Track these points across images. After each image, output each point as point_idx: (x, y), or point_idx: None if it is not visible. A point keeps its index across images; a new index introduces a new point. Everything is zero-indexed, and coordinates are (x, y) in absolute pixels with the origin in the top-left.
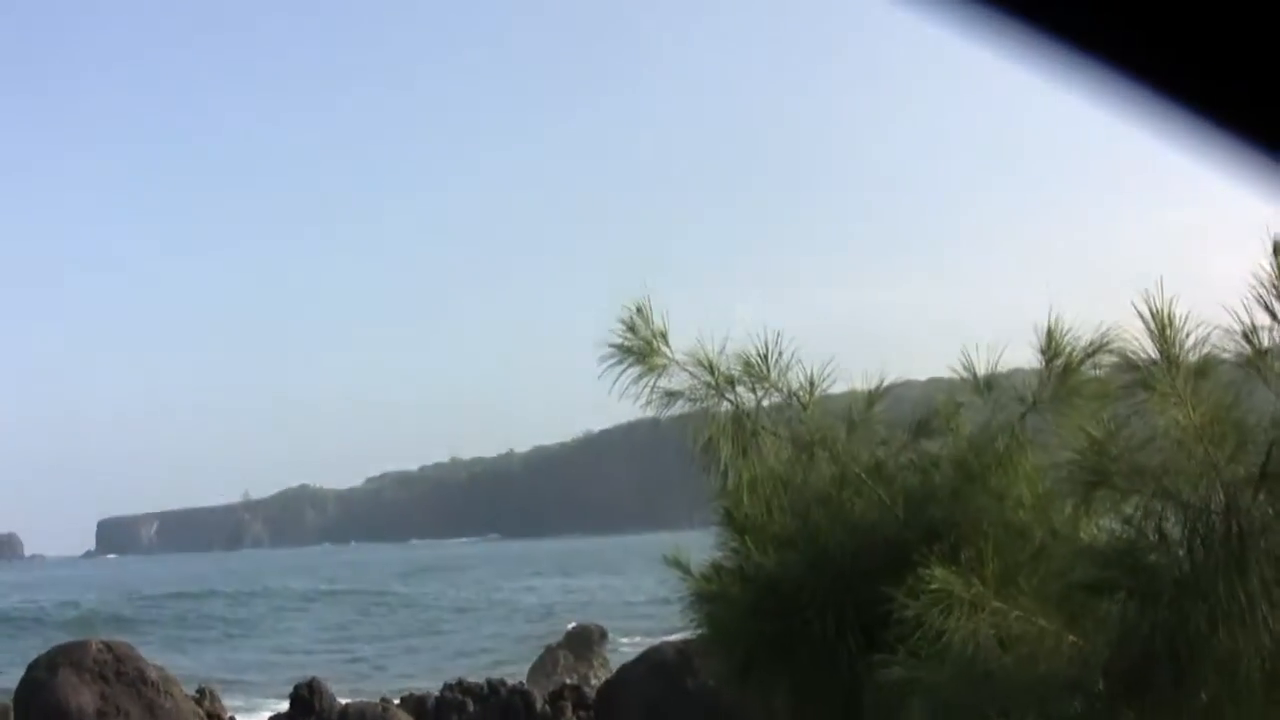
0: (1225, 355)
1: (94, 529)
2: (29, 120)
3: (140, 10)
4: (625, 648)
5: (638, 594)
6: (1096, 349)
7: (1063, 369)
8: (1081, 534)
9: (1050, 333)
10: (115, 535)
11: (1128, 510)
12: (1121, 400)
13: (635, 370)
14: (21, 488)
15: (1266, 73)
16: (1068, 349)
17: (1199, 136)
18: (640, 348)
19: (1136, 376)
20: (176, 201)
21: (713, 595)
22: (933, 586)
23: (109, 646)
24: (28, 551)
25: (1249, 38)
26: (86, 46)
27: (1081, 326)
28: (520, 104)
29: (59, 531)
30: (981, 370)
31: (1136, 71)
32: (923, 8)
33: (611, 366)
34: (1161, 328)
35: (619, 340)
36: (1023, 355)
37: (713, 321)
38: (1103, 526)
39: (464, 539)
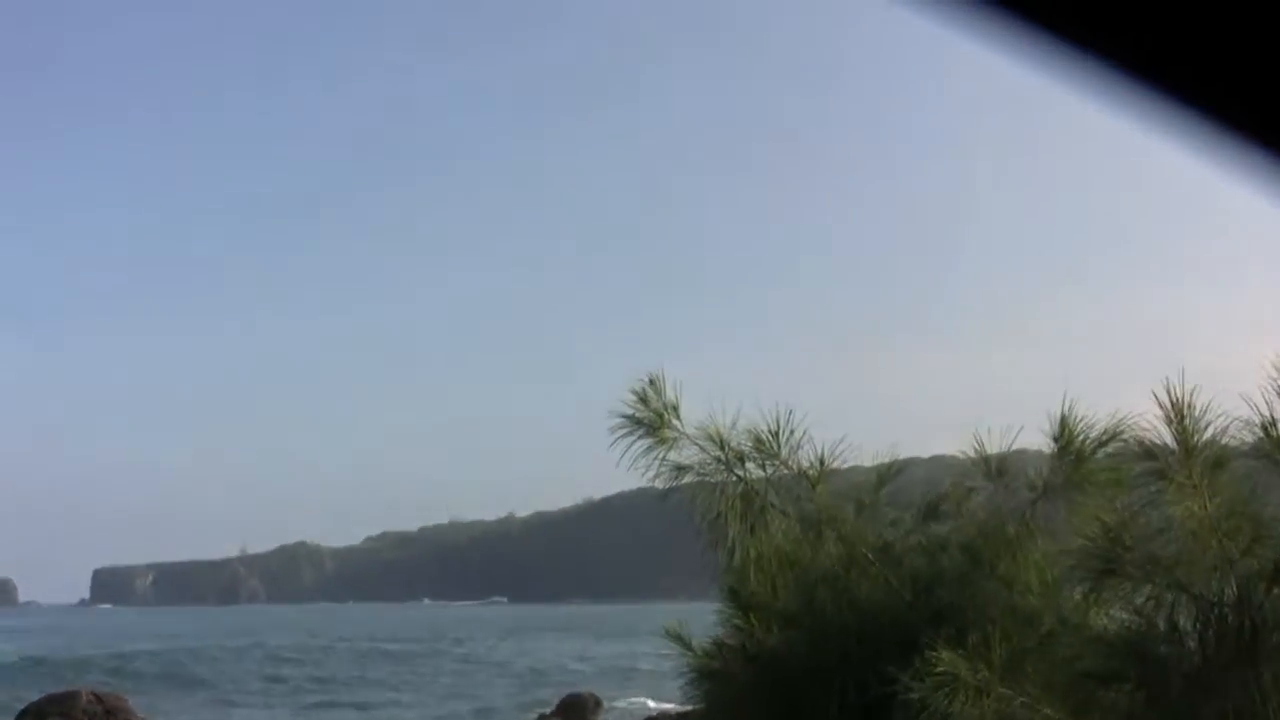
0: (1242, 445)
1: (89, 578)
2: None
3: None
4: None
5: (643, 661)
6: (1110, 437)
7: (1075, 456)
8: (1091, 623)
9: (1064, 419)
10: (110, 585)
11: (1139, 600)
12: (1136, 489)
13: (645, 442)
14: (18, 534)
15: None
16: (1080, 436)
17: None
18: (651, 420)
19: (1152, 465)
20: (179, 254)
21: (715, 672)
22: (938, 669)
23: (99, 697)
24: (22, 598)
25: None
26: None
27: (1096, 412)
28: (531, 175)
29: (54, 579)
30: (992, 449)
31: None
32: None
33: (622, 437)
34: (1180, 416)
35: (630, 411)
36: (1033, 437)
37: (719, 390)
38: (1113, 616)
39: (471, 601)
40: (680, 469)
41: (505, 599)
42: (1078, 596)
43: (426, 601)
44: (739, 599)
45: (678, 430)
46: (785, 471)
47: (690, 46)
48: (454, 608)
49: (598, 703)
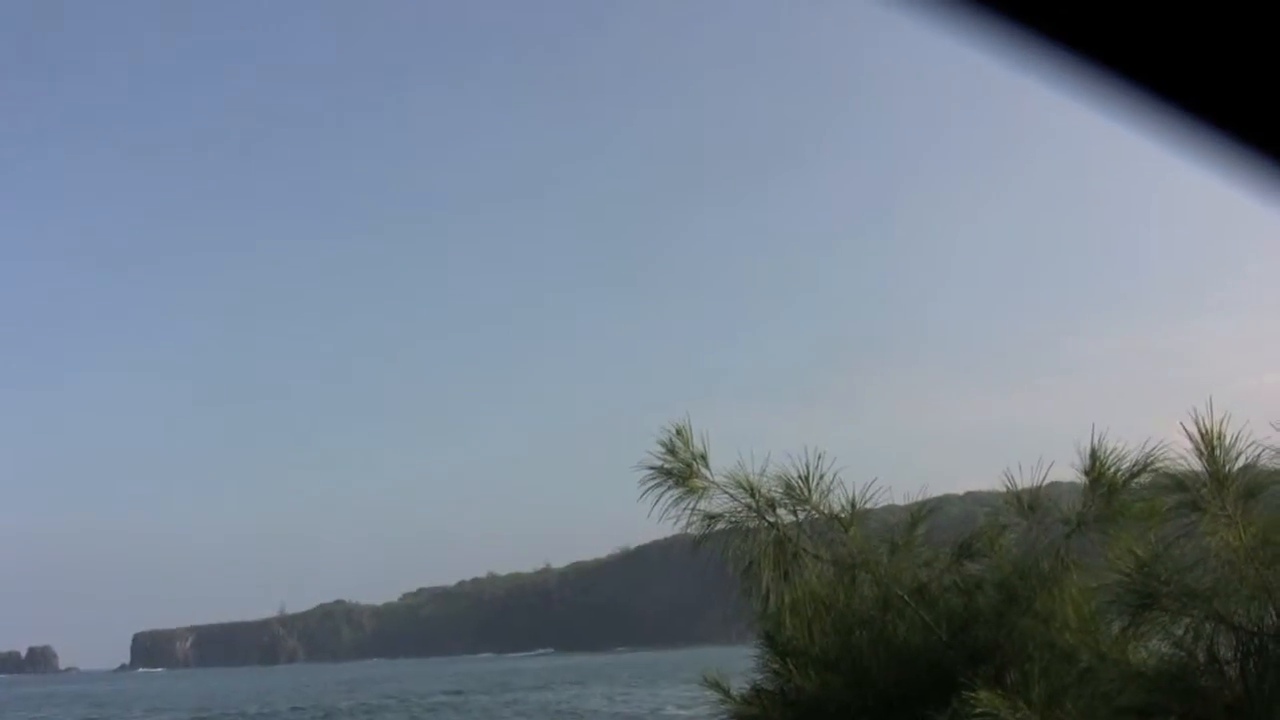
0: (1276, 473)
1: (129, 642)
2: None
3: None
4: None
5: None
6: (1141, 468)
7: (1107, 489)
8: (1130, 657)
9: (1094, 452)
10: (151, 649)
11: (1178, 633)
12: (1170, 520)
13: (675, 492)
14: (57, 600)
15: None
16: (1112, 469)
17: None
18: (680, 470)
19: (1185, 497)
20: (213, 304)
21: (754, 718)
22: (978, 710)
23: None
24: (62, 664)
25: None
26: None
27: (1126, 442)
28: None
29: (94, 644)
30: (1024, 483)
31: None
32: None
33: (652, 488)
34: (1210, 446)
35: (658, 463)
36: (1064, 472)
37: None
38: (1151, 649)
39: (522, 654)
40: (711, 517)
41: (552, 650)
42: (1116, 630)
43: (478, 655)
44: (775, 644)
45: (707, 479)
46: (817, 515)
47: None
48: (506, 659)
49: None
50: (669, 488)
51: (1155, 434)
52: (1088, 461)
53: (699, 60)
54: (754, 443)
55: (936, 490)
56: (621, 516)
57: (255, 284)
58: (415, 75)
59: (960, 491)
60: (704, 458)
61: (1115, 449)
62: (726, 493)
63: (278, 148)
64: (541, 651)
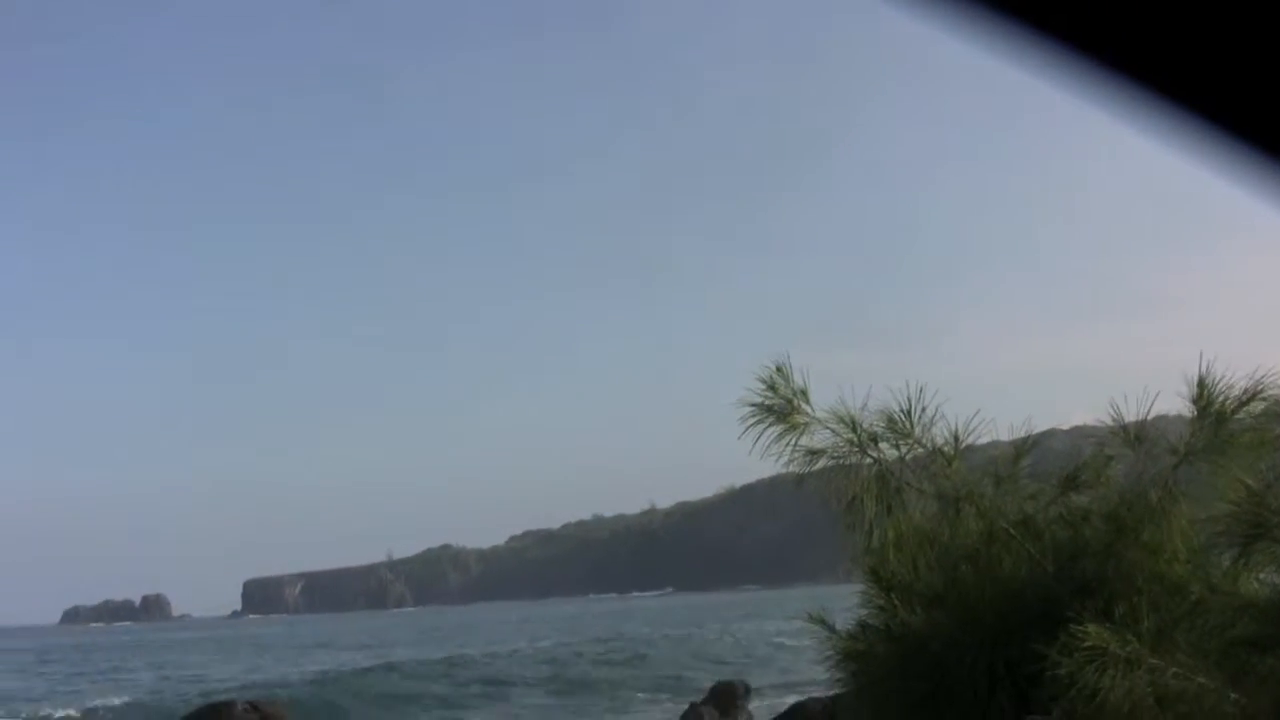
0: None
1: (239, 589)
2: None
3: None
4: (771, 704)
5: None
6: (1251, 397)
7: (1215, 418)
8: (1241, 588)
9: (1201, 381)
10: (260, 596)
11: None
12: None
13: (777, 429)
14: (171, 549)
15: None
16: (1220, 398)
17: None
18: (781, 406)
19: None
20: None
21: (859, 654)
22: (1086, 644)
23: (255, 706)
24: (176, 612)
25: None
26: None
27: (1235, 372)
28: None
29: (206, 592)
30: (1130, 417)
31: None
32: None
33: (753, 425)
34: None
35: (760, 399)
36: (1170, 404)
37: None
38: (1263, 580)
39: (645, 593)
40: (813, 453)
41: (671, 589)
42: (1226, 562)
43: (603, 595)
44: (880, 579)
45: (808, 415)
46: (919, 450)
47: None
48: (631, 599)
49: (747, 689)
50: (770, 424)
51: (1265, 362)
52: (1195, 391)
53: None
54: (854, 382)
55: (1041, 426)
56: (725, 456)
57: (375, 235)
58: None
59: (1065, 426)
60: (804, 394)
61: (1224, 378)
62: (828, 428)
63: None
64: (661, 591)
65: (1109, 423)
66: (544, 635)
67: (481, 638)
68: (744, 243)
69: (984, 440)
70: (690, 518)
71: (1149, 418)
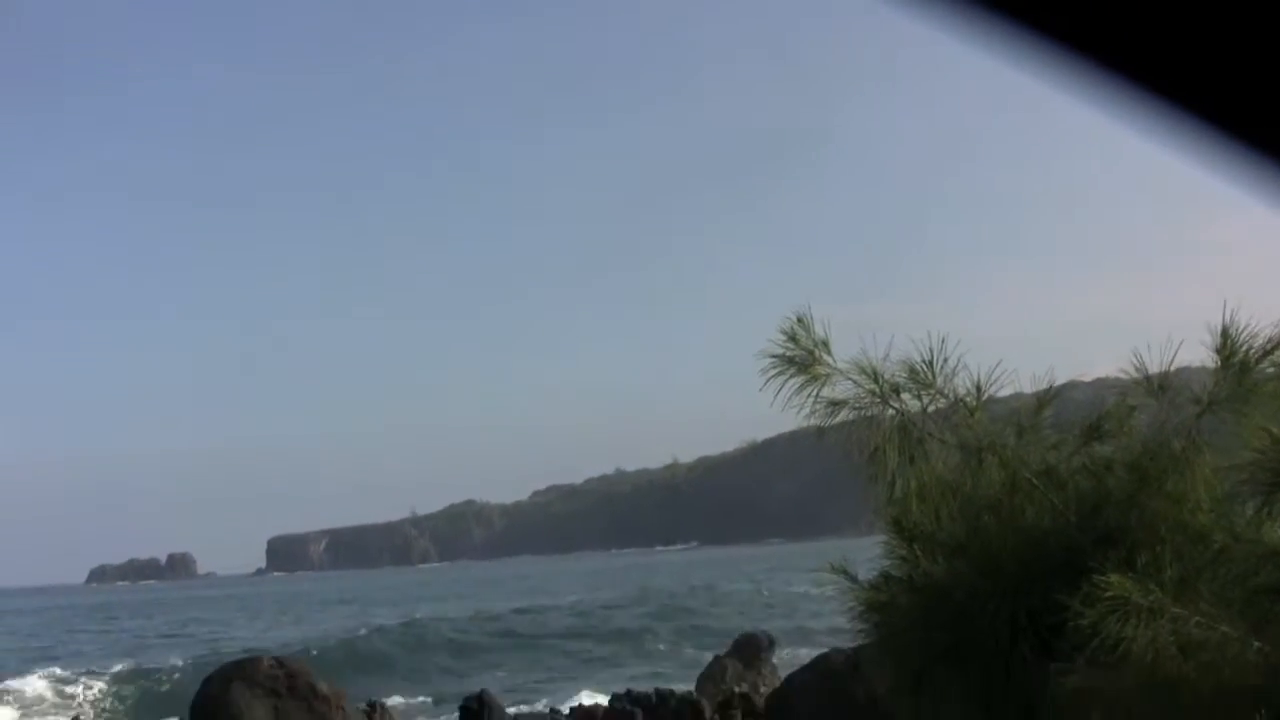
0: None
1: (264, 547)
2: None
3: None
4: (794, 655)
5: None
6: (1275, 346)
7: (1239, 368)
8: (1265, 537)
9: (1225, 330)
10: (284, 553)
11: None
12: None
13: (797, 380)
14: (195, 508)
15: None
16: (1244, 347)
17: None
18: (802, 358)
19: None
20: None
21: (882, 605)
22: (1109, 593)
23: (280, 662)
24: (201, 570)
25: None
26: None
27: (1259, 321)
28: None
29: (231, 550)
30: (1153, 369)
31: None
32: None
33: (774, 377)
34: None
35: (780, 351)
36: (1193, 354)
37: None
38: None
39: (669, 547)
40: (835, 404)
41: (696, 543)
42: (1250, 511)
43: (625, 550)
44: (902, 530)
45: (830, 366)
46: (942, 400)
47: None
48: (656, 554)
49: (771, 641)
50: (791, 375)
51: None
52: (1218, 340)
53: None
54: (876, 333)
55: (1064, 377)
56: (749, 411)
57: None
58: None
59: (1088, 378)
60: (826, 344)
61: (1248, 327)
62: (850, 379)
63: None
64: (686, 545)
65: (1132, 374)
66: (570, 590)
67: (507, 592)
68: (789, 184)
69: (1006, 391)
70: (711, 471)
71: (1172, 369)
